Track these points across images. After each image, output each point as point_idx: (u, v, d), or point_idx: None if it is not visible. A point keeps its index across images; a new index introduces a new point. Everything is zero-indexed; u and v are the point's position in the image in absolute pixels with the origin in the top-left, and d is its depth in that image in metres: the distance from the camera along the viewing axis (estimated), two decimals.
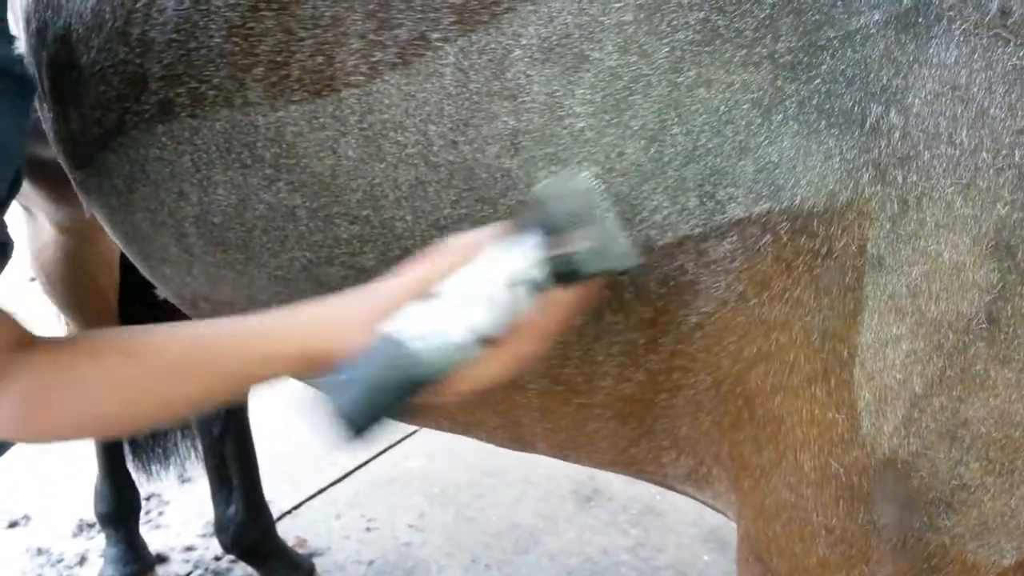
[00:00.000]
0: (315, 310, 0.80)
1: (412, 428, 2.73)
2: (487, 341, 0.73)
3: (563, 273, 0.72)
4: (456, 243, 0.76)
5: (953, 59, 0.68)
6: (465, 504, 2.49)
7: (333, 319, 0.78)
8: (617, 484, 2.55)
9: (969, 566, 0.76)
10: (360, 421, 0.74)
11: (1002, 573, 0.76)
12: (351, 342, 0.75)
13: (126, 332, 0.83)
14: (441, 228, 0.87)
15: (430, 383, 0.74)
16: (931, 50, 0.69)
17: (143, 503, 2.30)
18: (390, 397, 0.73)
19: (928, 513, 0.75)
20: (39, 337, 0.81)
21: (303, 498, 2.52)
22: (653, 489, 2.48)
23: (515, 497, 2.54)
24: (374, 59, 0.86)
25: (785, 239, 0.74)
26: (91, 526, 2.40)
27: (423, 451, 2.71)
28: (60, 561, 2.31)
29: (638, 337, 0.85)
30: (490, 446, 1.15)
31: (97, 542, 2.33)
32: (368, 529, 2.42)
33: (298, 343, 0.78)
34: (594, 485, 2.58)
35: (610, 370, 0.89)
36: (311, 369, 0.79)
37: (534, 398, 0.96)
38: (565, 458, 1.09)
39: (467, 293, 0.73)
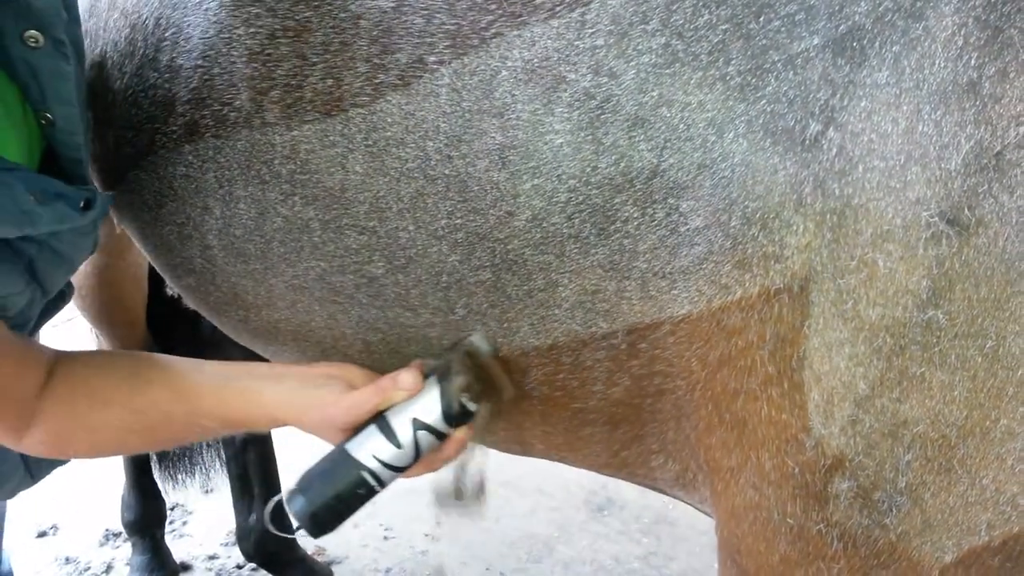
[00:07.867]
0: (293, 388, 0.96)
1: None
2: (415, 463, 0.94)
3: (457, 418, 0.93)
4: (405, 378, 0.93)
5: (884, 79, 0.72)
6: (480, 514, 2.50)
7: (308, 409, 0.95)
8: (629, 494, 2.56)
9: (915, 563, 0.78)
10: (323, 523, 0.93)
11: (944, 570, 0.77)
12: (318, 434, 0.97)
13: (123, 380, 0.98)
14: (439, 238, 0.92)
15: (376, 494, 0.95)
16: (864, 72, 0.72)
17: (168, 513, 2.34)
18: (349, 506, 0.93)
19: (875, 511, 0.77)
20: (50, 366, 0.96)
21: None
22: (665, 498, 2.45)
23: (529, 507, 2.55)
24: (378, 81, 0.90)
25: (739, 249, 0.78)
26: (117, 535, 2.46)
27: None
28: (87, 569, 2.37)
29: (620, 342, 0.89)
30: (504, 457, 1.19)
31: (123, 551, 2.39)
32: (385, 538, 2.45)
33: (271, 418, 0.96)
34: (606, 494, 2.58)
35: (599, 375, 0.93)
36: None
37: (536, 404, 1.00)
38: (562, 460, 1.12)
39: (406, 425, 0.92)
